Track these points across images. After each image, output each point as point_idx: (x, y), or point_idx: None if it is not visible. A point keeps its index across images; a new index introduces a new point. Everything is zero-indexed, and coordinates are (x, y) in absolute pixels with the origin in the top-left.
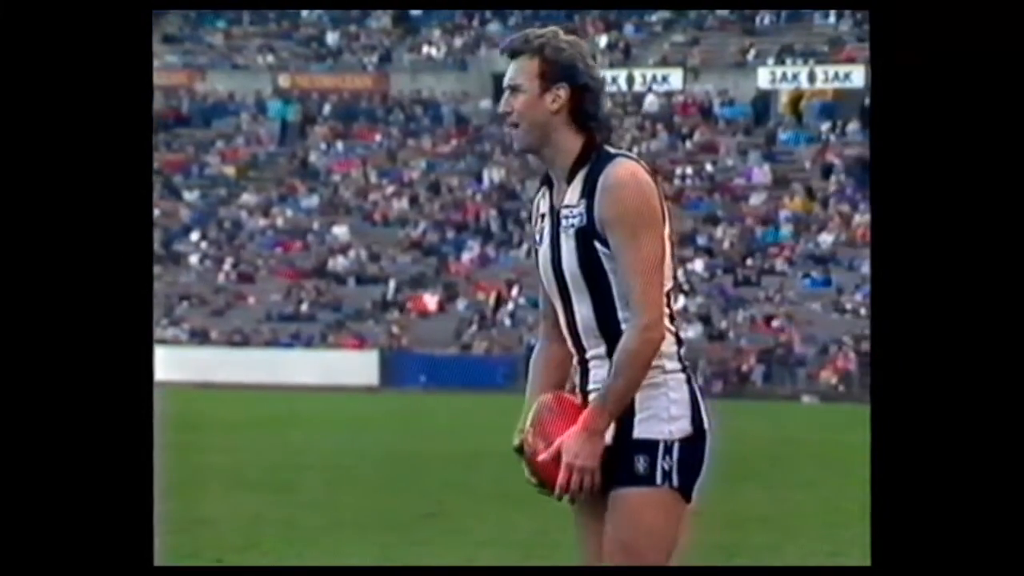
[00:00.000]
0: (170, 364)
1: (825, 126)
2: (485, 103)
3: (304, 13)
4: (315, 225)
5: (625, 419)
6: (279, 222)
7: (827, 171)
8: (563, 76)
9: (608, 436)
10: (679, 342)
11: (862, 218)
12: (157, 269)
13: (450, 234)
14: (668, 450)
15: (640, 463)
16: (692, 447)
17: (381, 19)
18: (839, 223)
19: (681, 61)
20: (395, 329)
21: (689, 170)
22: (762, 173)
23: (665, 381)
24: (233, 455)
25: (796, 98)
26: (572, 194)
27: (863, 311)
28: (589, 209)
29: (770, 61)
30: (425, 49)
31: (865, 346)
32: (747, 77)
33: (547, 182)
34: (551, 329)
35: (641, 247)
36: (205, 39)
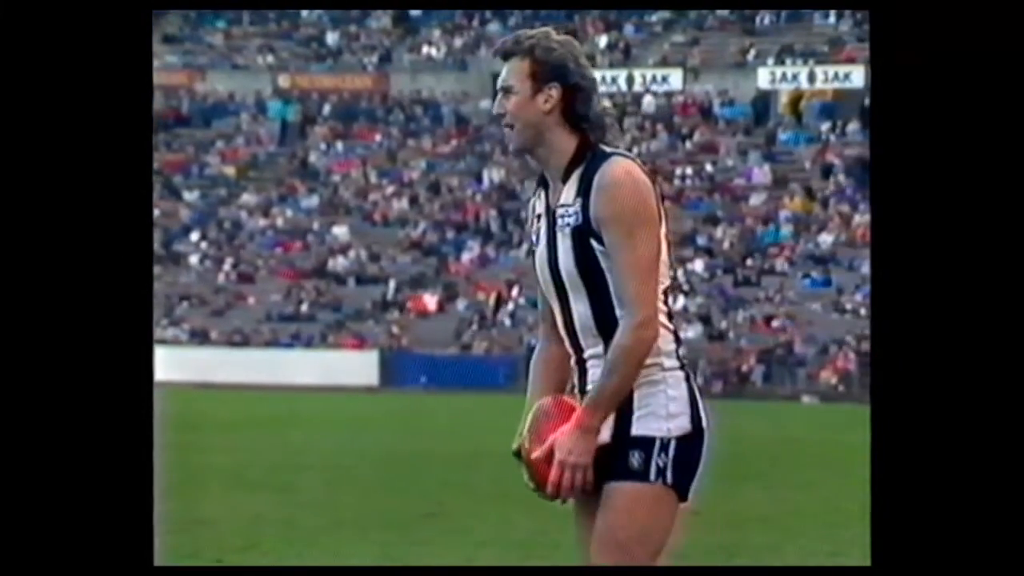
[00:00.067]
0: (170, 364)
1: (825, 126)
2: (485, 103)
3: (304, 13)
4: (315, 225)
5: (623, 416)
6: (279, 222)
7: (827, 171)
8: (554, 76)
9: (606, 434)
10: (677, 340)
11: (862, 218)
12: (157, 269)
13: (450, 234)
14: (664, 447)
15: (635, 459)
16: (689, 445)
17: (381, 19)
18: (839, 223)
19: (681, 61)
20: (395, 329)
21: (689, 170)
22: (762, 173)
23: (664, 379)
24: (233, 455)
25: (796, 98)
26: (568, 194)
27: (863, 311)
28: (585, 208)
29: (770, 61)
30: (425, 49)
31: (865, 346)
32: (747, 77)
33: (543, 183)
34: (550, 330)
35: (636, 245)
36: (205, 39)
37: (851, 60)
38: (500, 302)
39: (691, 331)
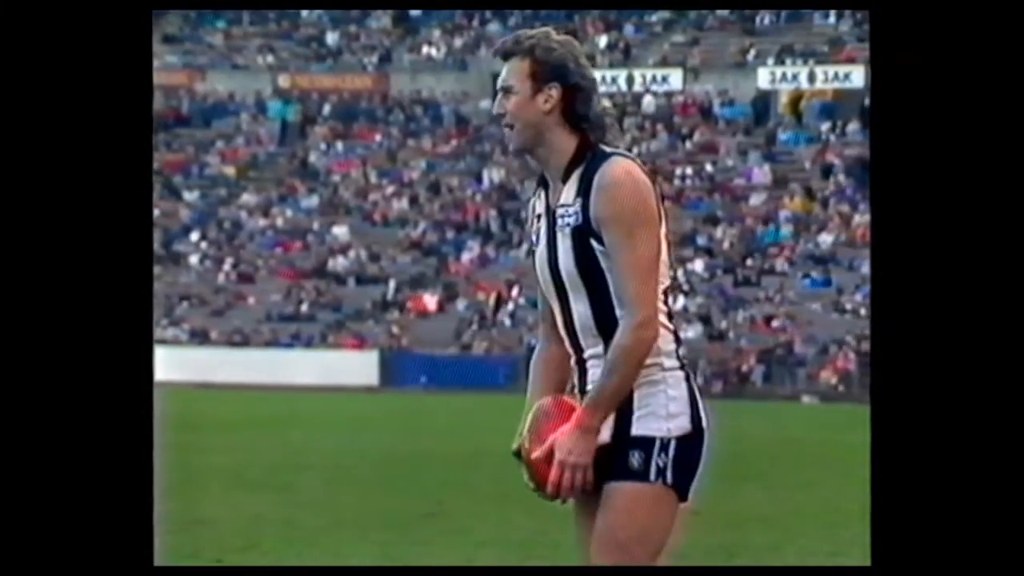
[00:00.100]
0: (170, 364)
1: (825, 126)
2: (485, 103)
3: (304, 13)
4: (315, 225)
5: (623, 416)
6: (279, 222)
7: (827, 171)
8: (554, 76)
9: (606, 434)
10: (677, 340)
11: (862, 218)
12: (157, 269)
13: (450, 234)
14: (664, 447)
15: (635, 459)
16: (689, 445)
17: (381, 19)
18: (839, 223)
19: (681, 61)
20: (395, 329)
21: (689, 170)
22: (762, 173)
23: (664, 379)
24: (233, 455)
25: (796, 98)
26: (567, 194)
27: (863, 311)
28: (584, 208)
29: (770, 61)
30: (425, 49)
31: (865, 346)
32: (747, 77)
33: (543, 183)
34: (550, 331)
35: (636, 245)
36: (205, 39)
37: (851, 60)
38: (500, 302)
39: (691, 331)
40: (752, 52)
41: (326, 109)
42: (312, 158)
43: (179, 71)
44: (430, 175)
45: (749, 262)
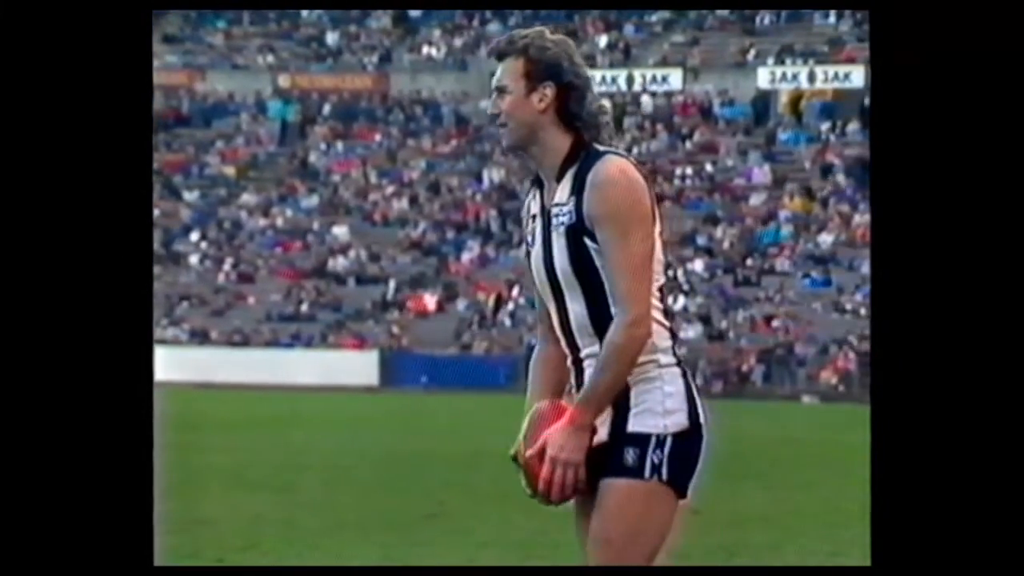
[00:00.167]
0: (170, 364)
1: (825, 126)
2: (485, 103)
3: (304, 13)
4: (315, 225)
5: (620, 413)
6: (279, 222)
7: (827, 171)
8: (548, 75)
9: (603, 432)
10: (673, 337)
11: (862, 218)
12: (157, 269)
13: (450, 234)
14: (660, 444)
15: (630, 455)
16: (686, 441)
17: (381, 19)
18: (839, 223)
19: (681, 61)
20: (395, 329)
21: (689, 170)
22: (762, 173)
23: (660, 375)
24: (233, 455)
25: (796, 98)
26: (562, 192)
27: (863, 311)
28: (578, 206)
29: (770, 61)
30: (425, 49)
31: (865, 346)
32: (747, 77)
33: (537, 183)
34: (548, 331)
35: (630, 243)
36: (205, 39)
37: (851, 60)
38: (500, 302)
39: (691, 331)
40: (752, 52)
41: (326, 109)
42: (312, 158)
43: (179, 71)
44: (430, 175)
45: (749, 262)
